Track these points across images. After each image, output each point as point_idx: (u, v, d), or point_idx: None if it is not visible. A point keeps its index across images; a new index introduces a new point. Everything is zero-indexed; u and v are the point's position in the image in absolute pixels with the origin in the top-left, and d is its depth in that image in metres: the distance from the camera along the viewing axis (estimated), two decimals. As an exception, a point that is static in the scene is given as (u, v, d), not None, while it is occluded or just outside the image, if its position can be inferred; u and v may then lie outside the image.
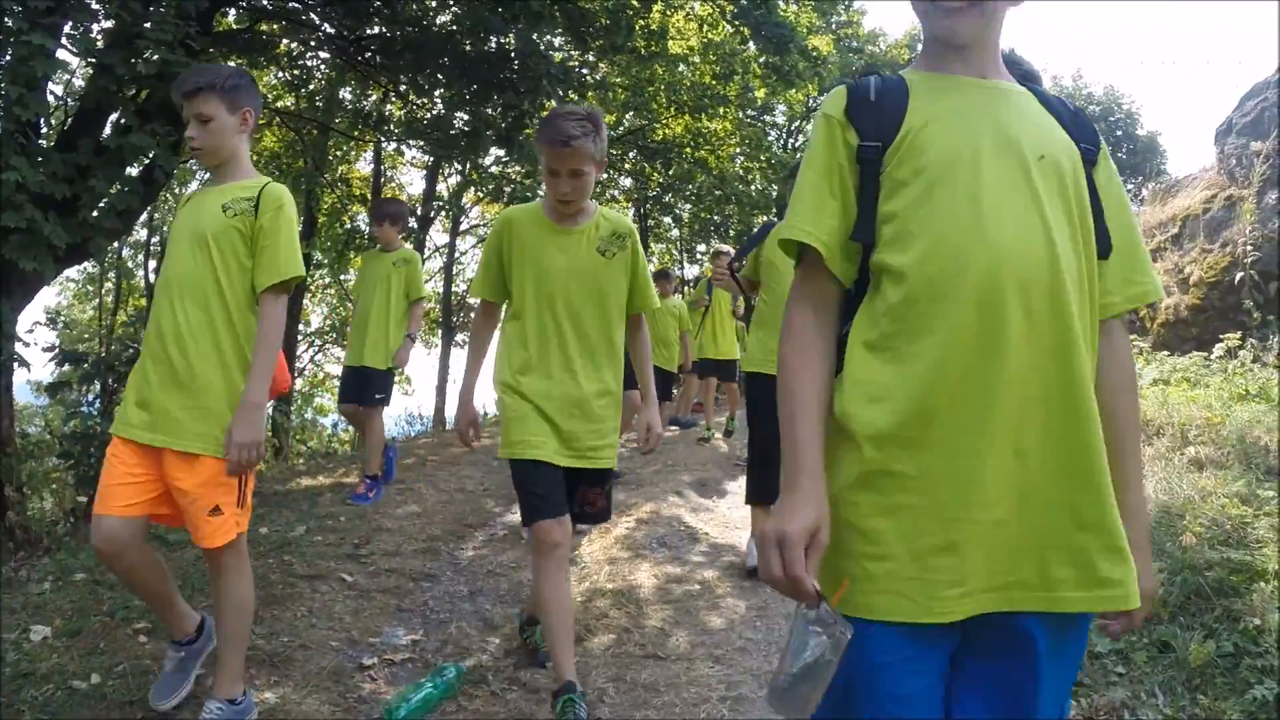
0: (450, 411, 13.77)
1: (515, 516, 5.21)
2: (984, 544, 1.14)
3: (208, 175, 2.70)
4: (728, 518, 5.33)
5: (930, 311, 1.17)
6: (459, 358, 16.55)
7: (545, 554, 2.57)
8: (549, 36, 9.62)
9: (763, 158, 17.34)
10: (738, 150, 17.11)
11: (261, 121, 12.43)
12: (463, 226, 19.63)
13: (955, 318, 1.15)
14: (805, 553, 1.12)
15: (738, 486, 6.15)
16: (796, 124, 21.70)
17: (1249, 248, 6.46)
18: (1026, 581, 1.15)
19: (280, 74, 11.62)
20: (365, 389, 5.21)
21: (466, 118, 8.84)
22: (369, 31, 8.63)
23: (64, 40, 5.15)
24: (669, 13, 11.61)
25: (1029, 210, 1.18)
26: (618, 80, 13.10)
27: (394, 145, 13.63)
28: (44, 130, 5.65)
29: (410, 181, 17.76)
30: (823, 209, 1.27)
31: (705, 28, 13.56)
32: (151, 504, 2.38)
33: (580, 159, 2.54)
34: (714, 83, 14.11)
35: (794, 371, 1.26)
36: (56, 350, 5.84)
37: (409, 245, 6.00)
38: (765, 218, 14.73)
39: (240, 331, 2.41)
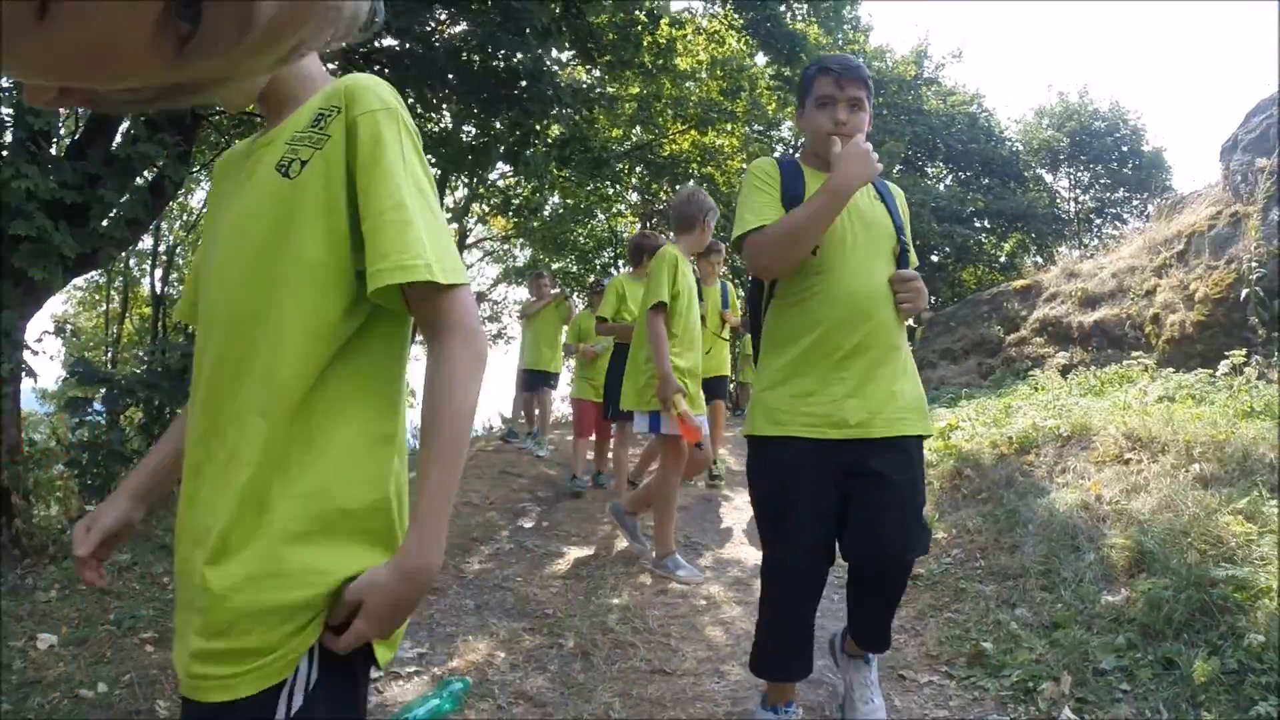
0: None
1: (520, 529, 5.21)
2: None
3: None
4: (732, 532, 5.32)
5: None
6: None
7: None
8: (556, 53, 9.70)
9: (769, 173, 17.39)
10: (744, 166, 17.18)
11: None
12: (469, 240, 19.72)
13: None
14: None
15: (742, 500, 6.14)
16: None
17: (1254, 264, 6.47)
18: None
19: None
20: None
21: (475, 131, 8.90)
22: (377, 45, 8.69)
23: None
24: (677, 29, 11.67)
25: None
26: (626, 94, 13.18)
27: (401, 158, 13.70)
28: (55, 139, 5.69)
29: (416, 193, 17.92)
30: None
31: (713, 44, 13.63)
32: None
33: None
34: (721, 99, 14.19)
35: None
36: (77, 368, 5.78)
37: None
38: None
39: None
